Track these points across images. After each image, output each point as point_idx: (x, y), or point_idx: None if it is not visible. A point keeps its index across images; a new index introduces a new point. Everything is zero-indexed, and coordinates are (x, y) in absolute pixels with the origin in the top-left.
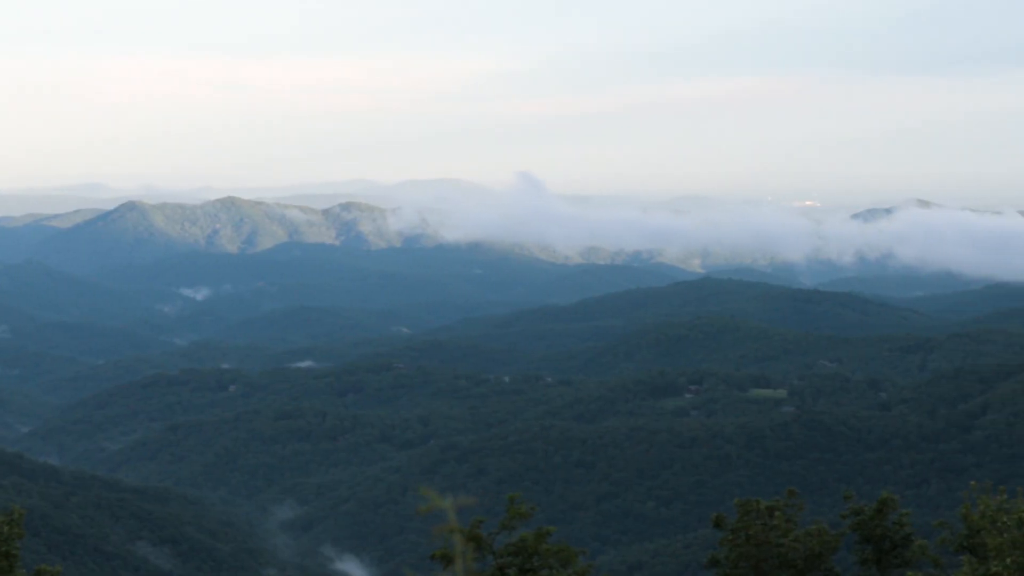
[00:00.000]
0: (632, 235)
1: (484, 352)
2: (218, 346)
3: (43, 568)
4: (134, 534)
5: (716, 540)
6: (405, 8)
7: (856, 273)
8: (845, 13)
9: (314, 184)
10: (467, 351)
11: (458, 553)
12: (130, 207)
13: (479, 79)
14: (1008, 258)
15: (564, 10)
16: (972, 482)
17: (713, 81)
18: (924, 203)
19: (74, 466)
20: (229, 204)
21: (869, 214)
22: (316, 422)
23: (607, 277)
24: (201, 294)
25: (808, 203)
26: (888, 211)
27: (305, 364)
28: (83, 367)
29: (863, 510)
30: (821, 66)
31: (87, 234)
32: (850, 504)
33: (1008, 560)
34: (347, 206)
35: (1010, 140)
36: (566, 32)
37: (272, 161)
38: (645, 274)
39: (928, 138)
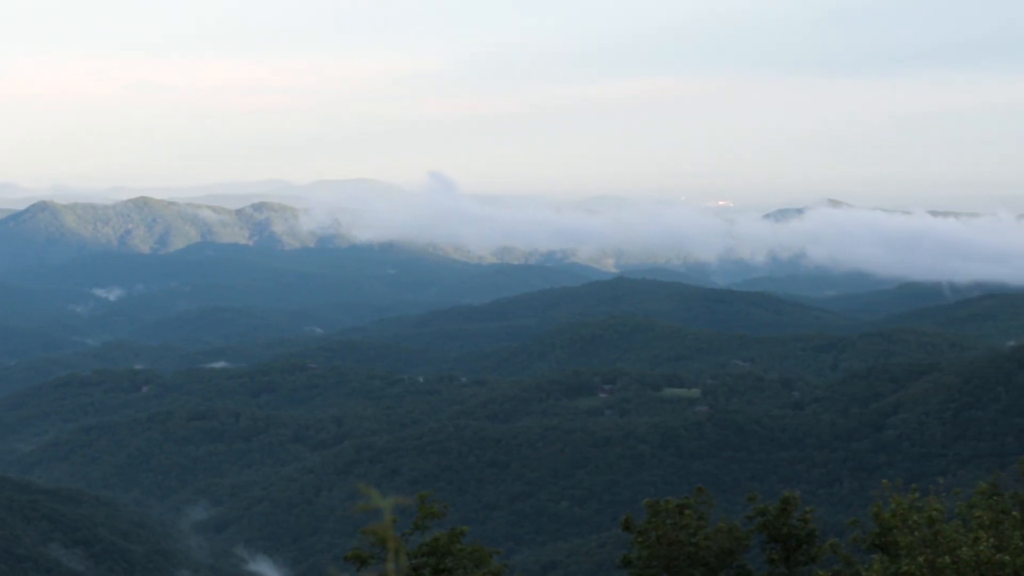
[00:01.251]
0: (545, 235)
1: (398, 352)
2: (131, 347)
3: None
4: (46, 536)
5: (629, 540)
6: (319, 8)
7: (769, 273)
8: (759, 14)
9: (227, 184)
10: (381, 351)
11: (390, 554)
12: (41, 207)
13: (392, 79)
14: (918, 258)
15: (478, 11)
16: (884, 481)
17: (627, 81)
18: (835, 203)
19: None
20: (142, 204)
21: (781, 214)
22: (230, 423)
23: (521, 277)
24: (114, 294)
25: (721, 203)
26: (799, 211)
27: (218, 364)
28: None
29: (767, 510)
30: (734, 67)
31: None
32: (754, 504)
33: (920, 559)
34: (260, 206)
35: (919, 141)
36: (480, 33)
37: (185, 161)
38: (559, 274)
39: (839, 139)
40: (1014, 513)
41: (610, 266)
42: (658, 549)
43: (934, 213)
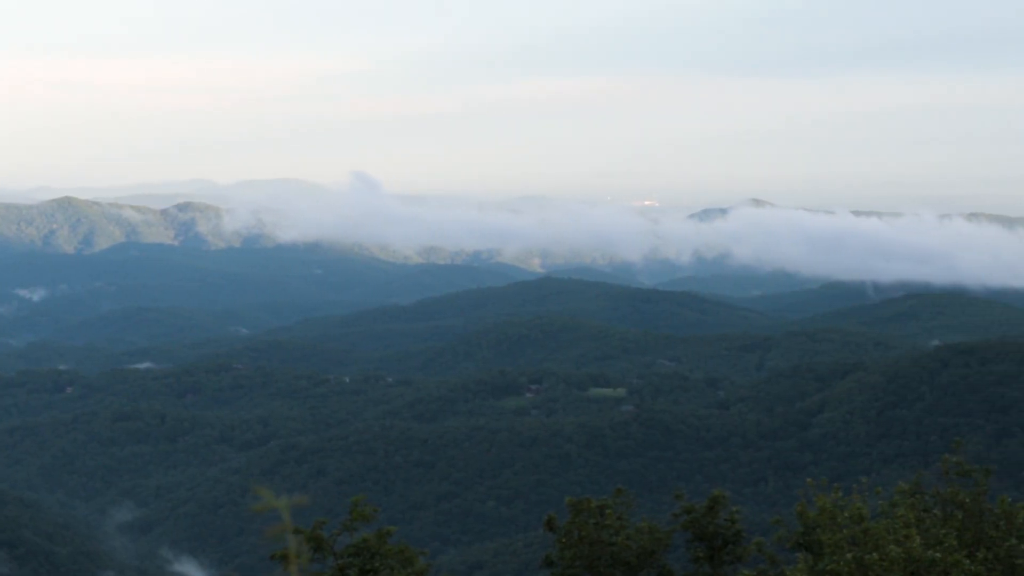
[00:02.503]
0: (471, 235)
1: (324, 352)
2: (55, 347)
3: None
4: None
5: (552, 540)
6: (244, 8)
7: (694, 272)
8: (684, 15)
9: (152, 184)
10: (307, 351)
11: (293, 553)
12: None
13: (317, 79)
14: (842, 257)
15: (403, 11)
16: (808, 480)
17: (552, 81)
18: (759, 203)
19: None
20: (66, 204)
21: (705, 214)
22: (155, 423)
23: (447, 277)
24: (37, 295)
25: (647, 203)
26: (724, 211)
27: (144, 365)
28: None
29: (694, 508)
30: (660, 67)
31: None
32: (681, 503)
33: (848, 556)
34: (184, 206)
35: (842, 141)
36: (405, 33)
37: (109, 161)
38: (485, 274)
39: (763, 139)
40: (935, 511)
41: (536, 266)
42: (580, 549)
43: (857, 213)
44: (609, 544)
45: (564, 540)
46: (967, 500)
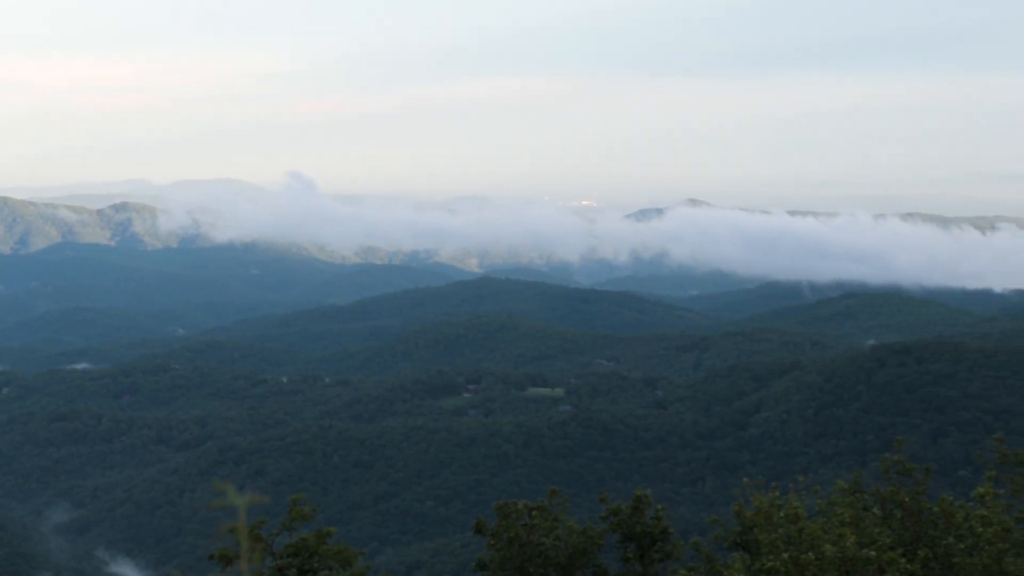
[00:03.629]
0: (409, 235)
1: (262, 352)
2: None
3: None
4: None
5: (484, 543)
6: (182, 8)
7: (631, 272)
8: (622, 15)
9: (88, 184)
10: (245, 351)
11: (243, 552)
12: None
13: (254, 79)
14: (779, 257)
15: (340, 11)
16: (745, 479)
17: (489, 81)
18: (696, 203)
19: None
20: (1, 204)
21: (642, 214)
22: (92, 424)
23: (385, 277)
24: None
25: (585, 203)
26: (660, 211)
27: (81, 366)
28: None
29: (620, 509)
30: (598, 67)
31: None
32: (607, 505)
33: (786, 555)
34: (121, 206)
35: (777, 142)
36: (341, 33)
37: (45, 161)
38: (423, 274)
39: (700, 139)
40: (874, 510)
41: (474, 266)
42: (510, 551)
43: (793, 213)
44: (539, 545)
45: (494, 543)
46: (907, 499)
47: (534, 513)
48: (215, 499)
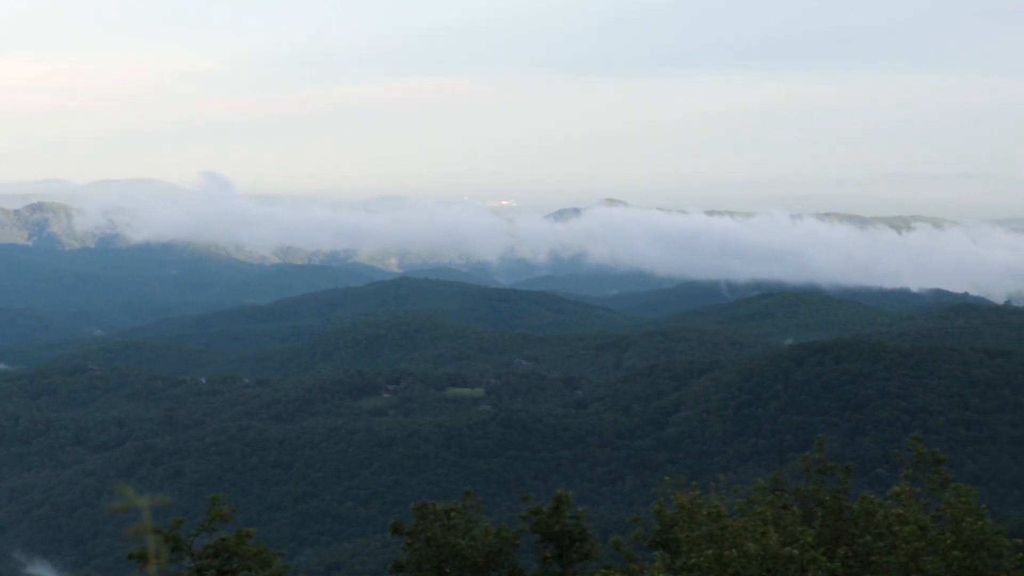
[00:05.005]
0: (327, 235)
1: (180, 353)
2: None
3: None
4: None
5: (402, 544)
6: (100, 7)
7: (550, 272)
8: (539, 15)
9: (5, 184)
10: (163, 352)
11: (152, 552)
12: None
13: (173, 79)
14: (696, 257)
15: (258, 11)
16: (666, 478)
17: (408, 81)
18: (613, 202)
19: None
20: None
21: (560, 214)
22: (8, 425)
23: (304, 277)
24: None
25: (504, 203)
26: (578, 211)
27: None
28: None
29: (540, 509)
30: (516, 67)
31: None
32: (528, 505)
33: (709, 552)
34: (38, 206)
35: (694, 142)
36: (259, 33)
37: None
38: (342, 274)
39: (618, 139)
40: (794, 508)
41: (393, 266)
42: (427, 552)
43: (710, 213)
44: (455, 546)
45: (411, 544)
46: (827, 498)
47: (451, 514)
48: (116, 501)
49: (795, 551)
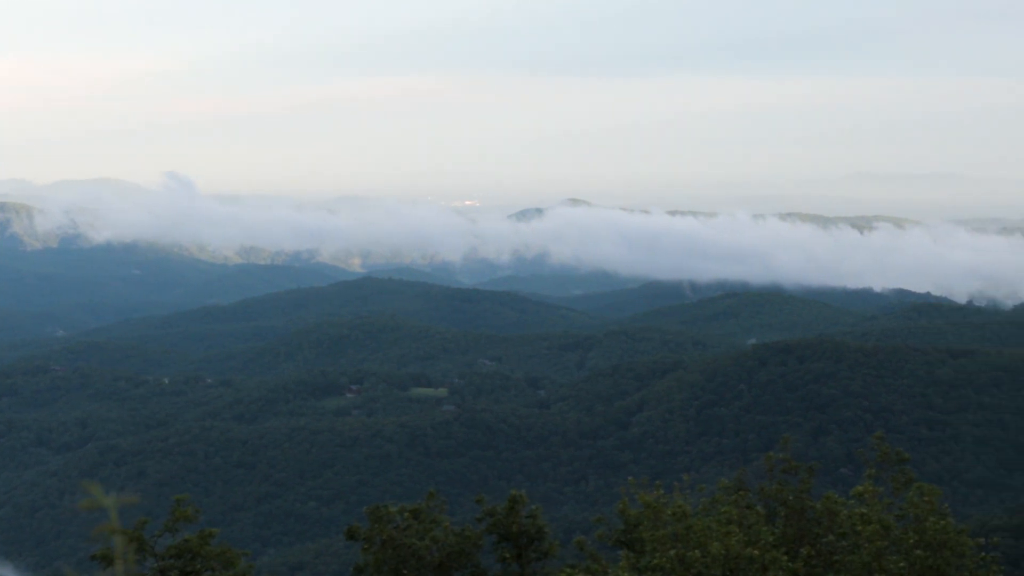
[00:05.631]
0: (290, 235)
1: (143, 353)
2: None
3: None
4: None
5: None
6: (63, 6)
7: (513, 272)
8: (504, 16)
9: None
10: (126, 352)
11: (119, 553)
12: None
13: (136, 78)
14: (659, 257)
15: (221, 11)
16: (630, 478)
17: (371, 81)
18: (576, 202)
19: None
20: None
21: (523, 214)
22: None
23: (267, 277)
24: None
25: (468, 203)
26: (540, 211)
27: None
28: None
29: (496, 510)
30: (479, 68)
31: None
32: (483, 506)
33: (672, 552)
34: None
35: (656, 142)
36: (222, 33)
37: None
38: (306, 274)
39: (580, 139)
40: (758, 508)
41: (356, 266)
42: (385, 554)
43: (673, 213)
44: (413, 548)
45: (367, 547)
46: (790, 497)
47: (407, 516)
48: (83, 500)
49: (756, 551)
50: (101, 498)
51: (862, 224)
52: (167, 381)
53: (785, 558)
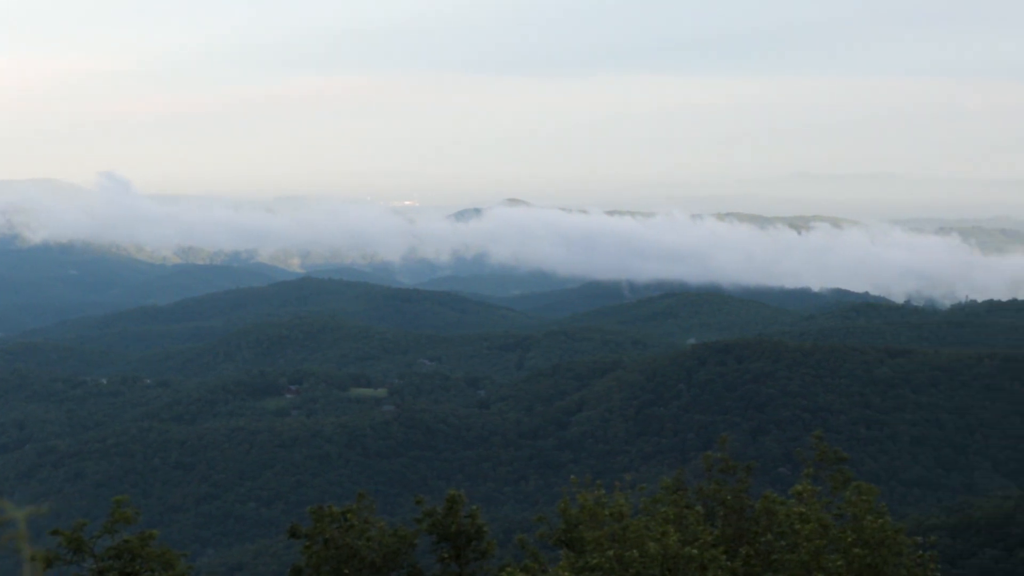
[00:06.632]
0: (228, 235)
1: (81, 354)
2: None
3: None
4: None
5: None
6: None
7: (453, 272)
8: (441, 16)
9: None
10: (63, 353)
11: (27, 567)
12: None
13: (72, 78)
14: (598, 257)
15: (159, 10)
16: (572, 477)
17: (310, 81)
18: (515, 202)
19: None
20: None
21: (462, 214)
22: None
23: (205, 277)
24: None
25: (408, 203)
26: (479, 211)
27: None
28: None
29: (435, 510)
30: (418, 67)
31: None
32: (422, 507)
33: (610, 552)
34: None
35: (594, 142)
36: (164, 32)
37: None
38: (244, 274)
39: (519, 139)
40: (697, 507)
41: (296, 266)
42: (325, 554)
43: (611, 213)
44: (353, 547)
45: (309, 546)
46: (728, 497)
47: (348, 515)
48: None
49: (695, 550)
50: (9, 510)
51: (800, 224)
52: (105, 382)
53: (724, 557)
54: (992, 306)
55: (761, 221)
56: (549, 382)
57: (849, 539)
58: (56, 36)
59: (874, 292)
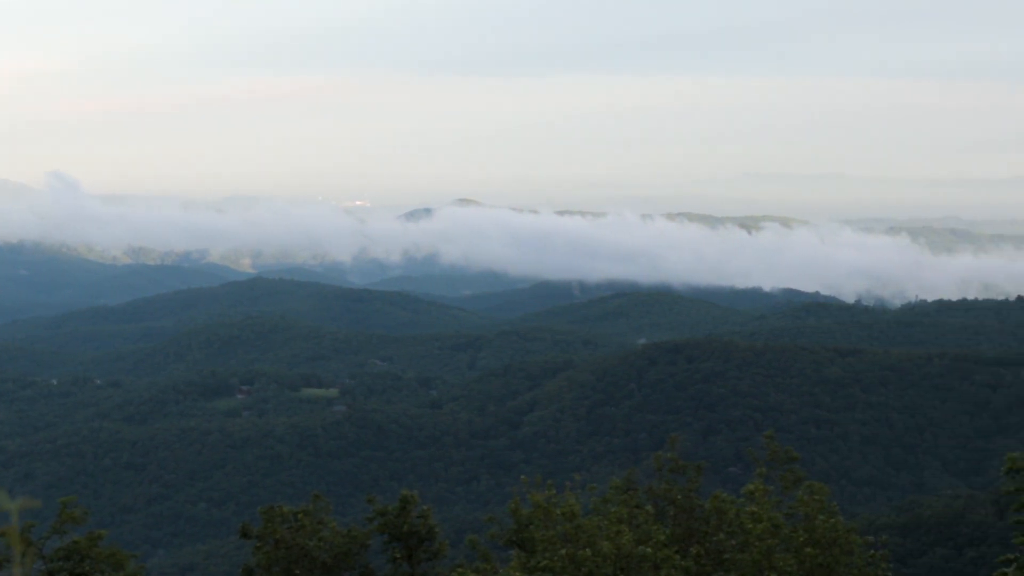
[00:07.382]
0: (179, 235)
1: (31, 354)
2: None
3: None
4: None
5: (251, 547)
6: None
7: (404, 272)
8: (392, 16)
9: None
10: (13, 354)
11: (16, 556)
12: None
13: (19, 78)
14: (549, 257)
15: (107, 9)
16: (523, 477)
17: (261, 81)
18: (465, 202)
19: None
20: None
21: (413, 214)
22: None
23: (156, 277)
24: None
25: (359, 203)
26: (430, 211)
27: None
28: None
29: (387, 510)
30: (369, 66)
31: None
32: (374, 506)
33: (563, 552)
34: None
35: (544, 142)
36: (107, 31)
37: None
38: (195, 274)
39: (470, 139)
40: (647, 507)
41: (247, 266)
42: (277, 554)
43: (561, 213)
44: (304, 548)
45: (260, 546)
46: (679, 496)
47: (300, 516)
48: None
49: (648, 549)
50: (4, 502)
51: (750, 224)
52: (55, 382)
53: (677, 556)
54: (941, 306)
55: (711, 221)
56: (501, 382)
57: (801, 539)
58: (2, 36)
59: (824, 292)
